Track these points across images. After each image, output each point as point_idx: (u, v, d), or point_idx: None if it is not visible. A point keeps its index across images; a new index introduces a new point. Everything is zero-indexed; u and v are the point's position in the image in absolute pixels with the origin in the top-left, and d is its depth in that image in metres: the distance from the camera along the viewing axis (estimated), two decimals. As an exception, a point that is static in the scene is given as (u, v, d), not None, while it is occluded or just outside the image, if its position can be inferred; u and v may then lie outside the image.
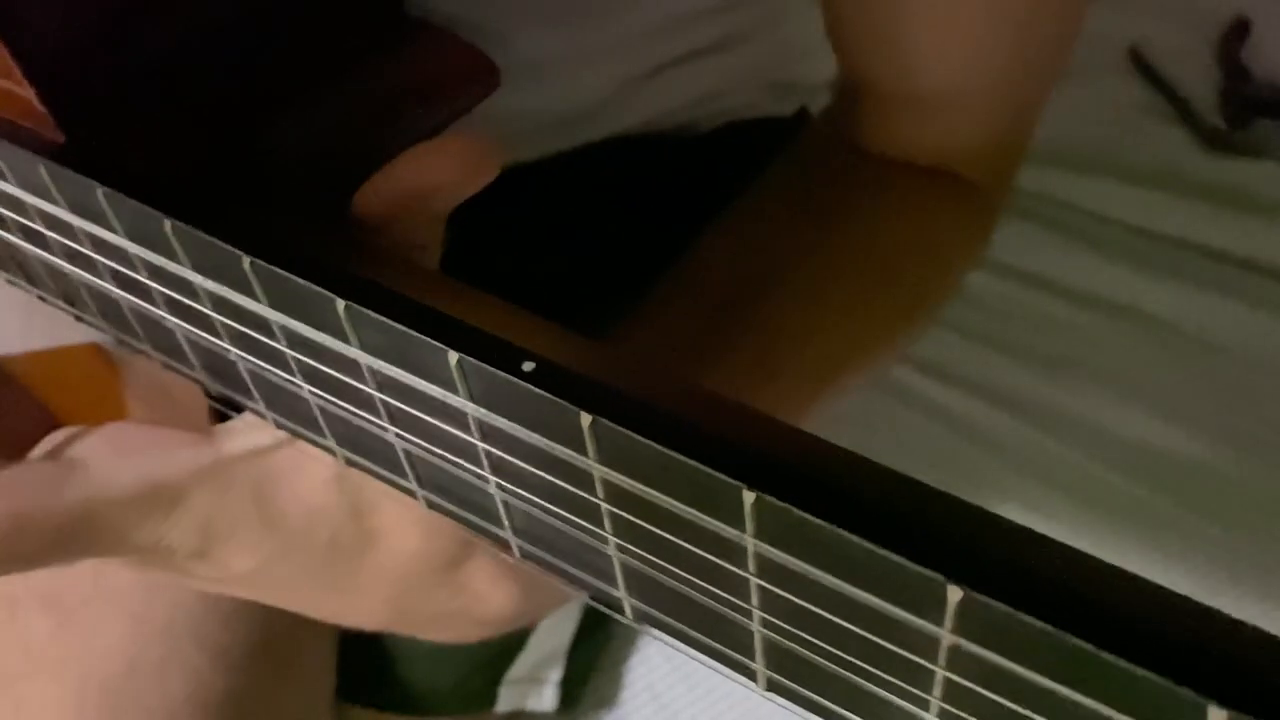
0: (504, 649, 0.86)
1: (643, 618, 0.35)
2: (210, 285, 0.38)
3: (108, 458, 0.41)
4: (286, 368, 0.39)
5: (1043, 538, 0.25)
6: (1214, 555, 0.85)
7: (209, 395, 0.46)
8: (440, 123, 0.47)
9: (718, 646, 0.33)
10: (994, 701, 0.26)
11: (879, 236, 0.63)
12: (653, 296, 0.62)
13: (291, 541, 0.43)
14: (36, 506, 0.40)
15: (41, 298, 0.51)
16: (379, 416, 0.37)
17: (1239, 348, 0.96)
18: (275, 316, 0.36)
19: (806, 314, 0.61)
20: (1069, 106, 1.08)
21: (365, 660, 0.82)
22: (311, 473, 0.43)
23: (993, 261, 1.01)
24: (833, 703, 0.31)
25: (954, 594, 0.24)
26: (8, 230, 0.47)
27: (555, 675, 0.87)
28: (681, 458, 0.28)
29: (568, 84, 0.68)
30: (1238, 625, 0.23)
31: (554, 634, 0.86)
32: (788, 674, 0.32)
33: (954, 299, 0.67)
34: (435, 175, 0.40)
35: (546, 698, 0.87)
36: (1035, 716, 0.26)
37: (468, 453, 0.35)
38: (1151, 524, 0.88)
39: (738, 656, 0.33)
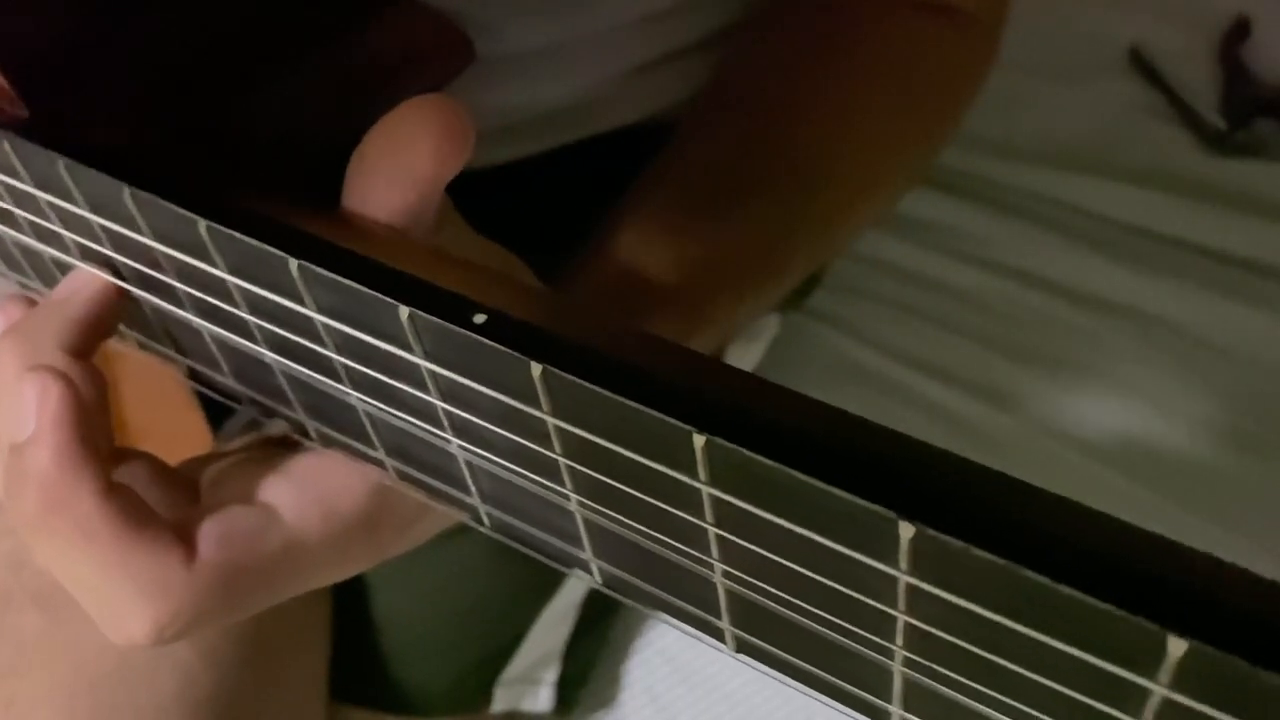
0: (500, 649, 0.85)
1: (611, 581, 0.35)
2: (172, 253, 0.37)
3: (294, 499, 0.41)
4: (250, 336, 0.38)
5: (994, 473, 0.25)
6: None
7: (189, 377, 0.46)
8: (415, 96, 0.46)
9: (684, 606, 0.33)
10: (955, 645, 0.26)
11: (887, 68, 0.65)
12: (676, 135, 0.63)
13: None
14: (247, 556, 0.40)
15: (22, 284, 0.51)
16: (339, 380, 0.37)
17: (1239, 348, 0.96)
18: (234, 280, 0.36)
19: (834, 138, 0.62)
20: (1069, 106, 1.09)
21: (360, 660, 0.82)
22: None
23: (993, 261, 1.00)
24: (802, 660, 0.31)
25: (906, 531, 0.24)
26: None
27: (551, 676, 0.86)
28: (632, 404, 0.27)
29: (562, 77, 0.68)
30: (1194, 554, 0.23)
31: (550, 634, 0.86)
32: (755, 631, 0.32)
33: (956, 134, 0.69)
34: (412, 167, 0.38)
35: (542, 698, 0.87)
36: (997, 660, 0.25)
37: (428, 414, 0.35)
38: (1151, 524, 0.87)
39: (705, 616, 0.33)
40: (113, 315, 0.43)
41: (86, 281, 0.43)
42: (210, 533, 0.39)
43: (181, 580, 0.39)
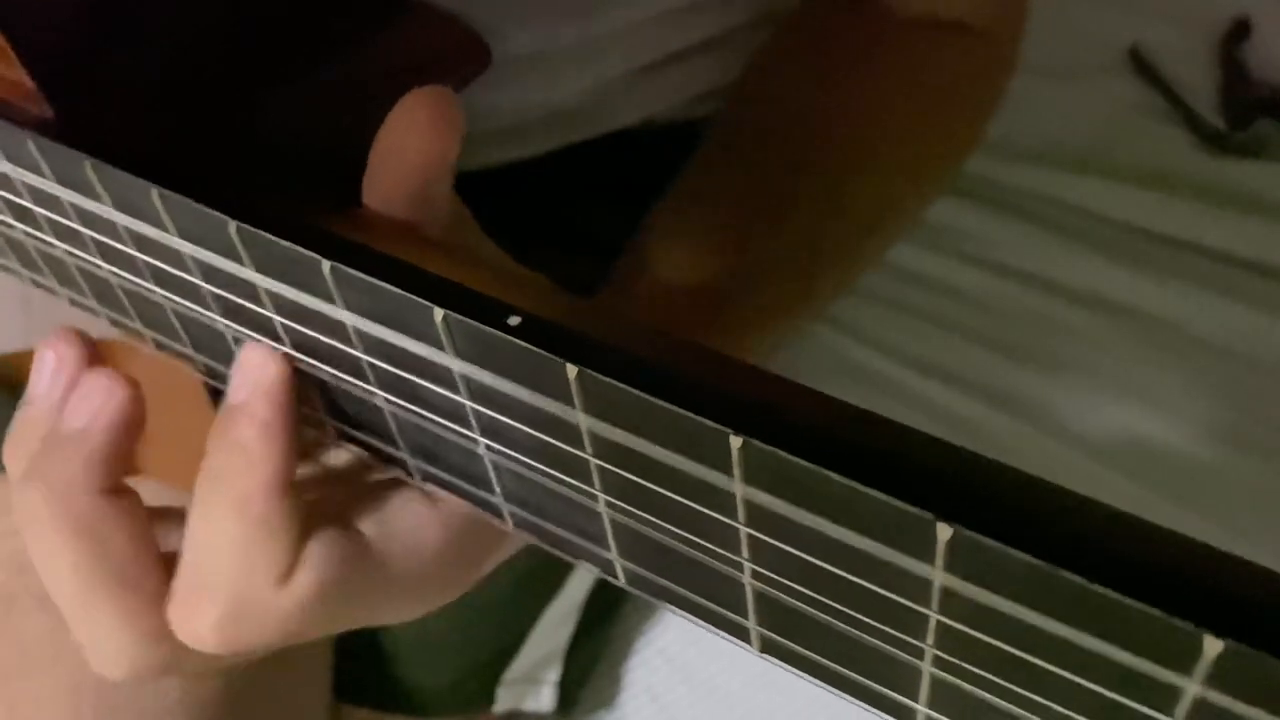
0: (502, 649, 0.85)
1: (635, 581, 0.35)
2: (198, 253, 0.38)
3: (378, 529, 0.41)
4: (275, 336, 0.38)
5: (1030, 476, 0.25)
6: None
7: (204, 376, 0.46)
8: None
9: (710, 606, 0.33)
10: (987, 644, 0.26)
11: (911, 85, 0.67)
12: (692, 164, 0.64)
13: None
14: (339, 580, 0.40)
15: (35, 282, 0.51)
16: (366, 380, 0.37)
17: (1239, 347, 0.96)
18: (262, 281, 0.36)
19: (862, 155, 0.64)
20: (1069, 106, 1.08)
21: (363, 660, 0.82)
22: None
23: (992, 261, 1.00)
24: (828, 660, 0.31)
25: (943, 532, 0.24)
26: (-1, 211, 0.47)
27: (553, 676, 0.87)
28: (667, 405, 0.28)
29: (565, 79, 0.68)
30: (1229, 556, 0.23)
31: (552, 634, 0.86)
32: (782, 631, 0.32)
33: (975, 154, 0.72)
34: (411, 154, 0.39)
35: (544, 698, 0.87)
36: (1028, 657, 0.25)
37: (456, 414, 0.35)
38: (1152, 523, 0.87)
39: (731, 615, 0.33)
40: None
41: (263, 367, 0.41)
42: (313, 554, 0.39)
43: (272, 597, 0.39)
